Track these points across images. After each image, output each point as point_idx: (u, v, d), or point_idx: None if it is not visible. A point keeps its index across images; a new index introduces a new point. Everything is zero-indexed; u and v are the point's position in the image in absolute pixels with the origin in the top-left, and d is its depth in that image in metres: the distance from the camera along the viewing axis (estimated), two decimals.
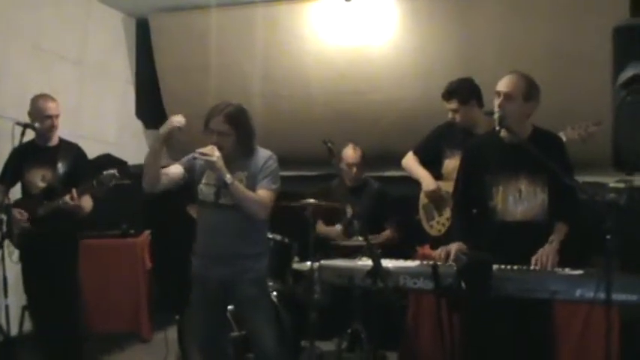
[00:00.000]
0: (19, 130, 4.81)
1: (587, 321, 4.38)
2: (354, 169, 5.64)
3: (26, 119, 4.94)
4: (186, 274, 5.34)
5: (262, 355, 4.05)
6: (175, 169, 4.07)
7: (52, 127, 5.03)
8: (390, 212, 5.75)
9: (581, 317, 4.40)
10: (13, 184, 5.16)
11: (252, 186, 3.87)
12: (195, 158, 3.89)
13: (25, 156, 5.04)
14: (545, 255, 3.59)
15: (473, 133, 4.70)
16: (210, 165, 3.76)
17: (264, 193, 3.88)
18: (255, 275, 3.97)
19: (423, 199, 5.04)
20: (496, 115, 3.72)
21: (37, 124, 4.91)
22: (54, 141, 5.13)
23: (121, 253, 6.27)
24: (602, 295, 3.17)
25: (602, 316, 4.29)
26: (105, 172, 4.81)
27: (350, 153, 5.65)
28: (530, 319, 3.65)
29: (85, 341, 5.26)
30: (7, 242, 4.90)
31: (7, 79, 5.30)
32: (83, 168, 5.14)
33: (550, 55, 5.83)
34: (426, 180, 4.93)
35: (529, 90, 3.74)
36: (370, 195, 5.73)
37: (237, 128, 3.87)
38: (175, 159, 4.24)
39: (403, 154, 5.18)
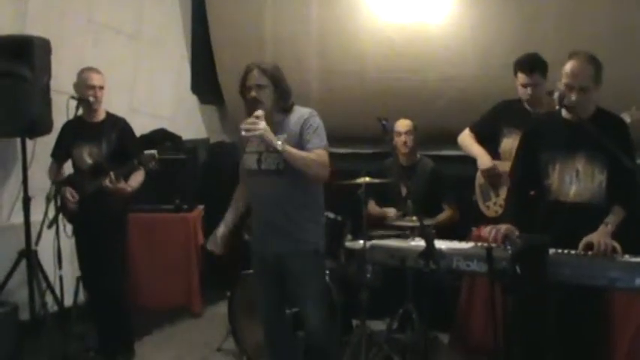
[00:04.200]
0: (73, 104, 4.86)
1: None
2: (403, 137, 5.52)
3: None
4: (238, 250, 5.37)
5: (308, 334, 4.01)
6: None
7: (93, 103, 4.96)
8: (446, 191, 5.65)
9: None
10: (65, 160, 5.21)
11: (293, 147, 3.70)
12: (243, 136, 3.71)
13: (73, 131, 5.06)
14: (602, 239, 3.47)
15: (532, 112, 4.60)
16: (259, 137, 3.63)
17: (318, 152, 3.72)
18: (308, 248, 3.84)
19: (479, 179, 4.95)
20: (556, 95, 3.61)
21: (91, 98, 4.92)
22: (100, 116, 5.11)
23: (174, 228, 6.28)
24: None
25: None
26: (145, 152, 4.82)
27: (400, 121, 5.54)
28: (585, 307, 3.56)
29: (129, 314, 5.29)
30: (61, 216, 5.01)
31: (63, 53, 5.33)
32: (129, 142, 5.13)
33: (612, 30, 5.65)
34: (483, 158, 4.82)
35: (598, 73, 3.59)
36: (424, 173, 5.65)
37: (274, 80, 3.77)
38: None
39: (459, 133, 5.09)
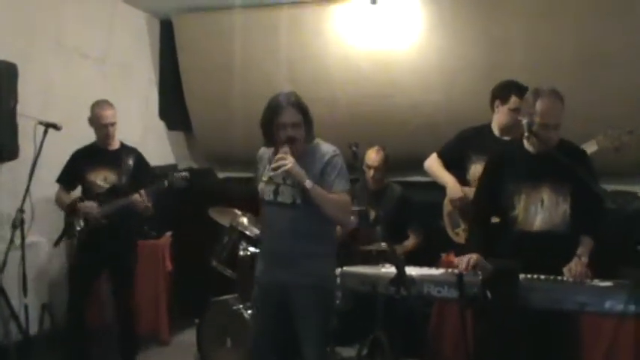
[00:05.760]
0: (41, 129, 4.85)
1: (615, 335, 4.30)
2: (372, 172, 5.57)
3: (49, 118, 4.96)
4: (207, 277, 5.35)
5: None
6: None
7: (107, 136, 5.20)
8: (413, 218, 5.68)
9: (610, 331, 4.31)
10: (74, 186, 5.32)
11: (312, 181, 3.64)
12: (271, 176, 3.69)
13: (86, 158, 5.24)
14: (576, 266, 3.52)
15: (500, 138, 4.63)
16: (288, 172, 3.55)
17: (343, 196, 3.67)
18: (315, 282, 3.70)
19: (447, 206, 4.95)
20: (524, 121, 3.66)
21: (58, 125, 4.95)
22: (115, 145, 5.32)
23: (142, 255, 6.20)
24: (632, 308, 3.11)
25: (632, 329, 4.28)
26: (176, 174, 5.06)
27: (372, 155, 5.59)
28: (556, 331, 3.58)
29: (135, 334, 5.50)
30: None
31: (30, 77, 5.28)
32: (144, 171, 5.36)
33: (577, 58, 5.75)
34: (452, 187, 4.81)
35: (564, 106, 3.66)
36: (392, 199, 5.67)
37: (305, 116, 3.70)
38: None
39: (426, 159, 5.10)
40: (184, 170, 5.26)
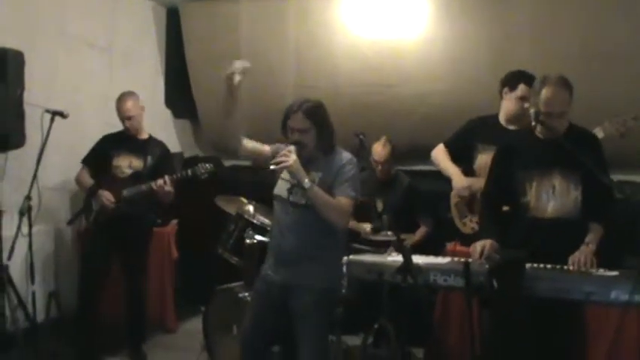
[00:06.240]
0: (48, 117, 4.87)
1: (620, 324, 4.30)
2: (379, 167, 5.58)
3: (55, 106, 4.97)
4: (213, 265, 5.36)
5: None
6: (262, 147, 3.94)
7: (127, 128, 5.37)
8: (422, 207, 5.68)
9: (615, 320, 4.31)
10: (97, 169, 5.44)
11: (324, 188, 3.63)
12: (272, 170, 3.68)
13: (114, 143, 5.43)
14: (582, 255, 3.52)
15: (506, 128, 4.63)
16: (287, 169, 3.57)
17: (343, 200, 3.63)
18: (315, 283, 3.69)
19: (454, 197, 4.96)
20: (532, 110, 3.66)
21: (65, 112, 4.98)
22: (143, 135, 5.52)
23: None
24: (637, 298, 3.12)
25: (637, 319, 4.28)
26: (200, 164, 5.18)
27: (378, 149, 5.59)
28: (561, 321, 3.59)
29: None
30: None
31: (35, 66, 5.24)
32: (168, 163, 5.54)
33: (583, 49, 5.74)
34: (457, 178, 4.82)
35: (571, 94, 3.66)
36: (400, 189, 5.69)
37: (317, 124, 3.70)
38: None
39: (433, 149, 5.10)
40: (208, 161, 5.29)
